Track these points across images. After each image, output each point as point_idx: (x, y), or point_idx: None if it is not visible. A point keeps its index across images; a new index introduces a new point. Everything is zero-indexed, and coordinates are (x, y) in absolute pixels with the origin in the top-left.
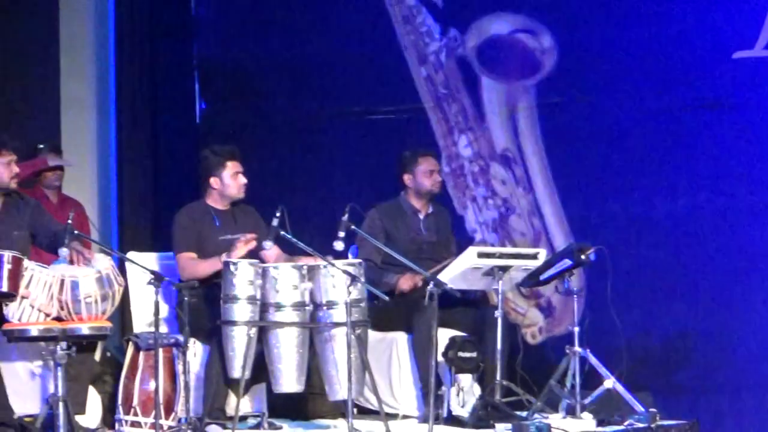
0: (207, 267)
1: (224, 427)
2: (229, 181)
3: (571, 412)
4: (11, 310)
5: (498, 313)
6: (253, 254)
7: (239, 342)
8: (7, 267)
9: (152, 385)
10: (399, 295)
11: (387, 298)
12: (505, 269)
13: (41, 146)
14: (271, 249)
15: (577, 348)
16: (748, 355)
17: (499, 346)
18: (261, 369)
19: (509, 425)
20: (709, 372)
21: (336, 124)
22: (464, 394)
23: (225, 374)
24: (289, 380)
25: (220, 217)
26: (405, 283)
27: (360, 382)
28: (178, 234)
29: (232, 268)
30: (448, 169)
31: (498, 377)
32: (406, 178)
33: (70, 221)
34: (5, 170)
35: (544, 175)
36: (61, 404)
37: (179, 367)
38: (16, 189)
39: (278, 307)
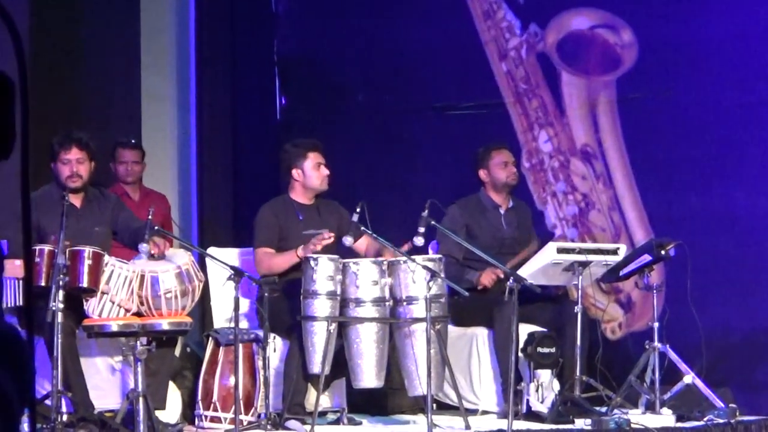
0: (283, 261)
1: (304, 422)
2: (311, 173)
3: (650, 407)
4: (91, 305)
5: (578, 309)
6: (343, 247)
7: (319, 337)
8: (87, 262)
9: (232, 380)
10: (480, 290)
11: (467, 293)
12: (585, 265)
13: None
14: (352, 244)
15: (657, 343)
16: None
17: (578, 341)
18: (341, 364)
19: (588, 421)
20: None
21: (416, 120)
22: (543, 390)
23: (305, 370)
24: (368, 376)
25: (303, 211)
26: (485, 278)
27: (439, 377)
28: (259, 229)
29: (312, 263)
30: (528, 164)
31: (577, 373)
32: (482, 173)
33: (150, 217)
34: (65, 168)
35: (624, 171)
36: (141, 399)
37: (259, 363)
38: (91, 185)
39: (358, 302)
